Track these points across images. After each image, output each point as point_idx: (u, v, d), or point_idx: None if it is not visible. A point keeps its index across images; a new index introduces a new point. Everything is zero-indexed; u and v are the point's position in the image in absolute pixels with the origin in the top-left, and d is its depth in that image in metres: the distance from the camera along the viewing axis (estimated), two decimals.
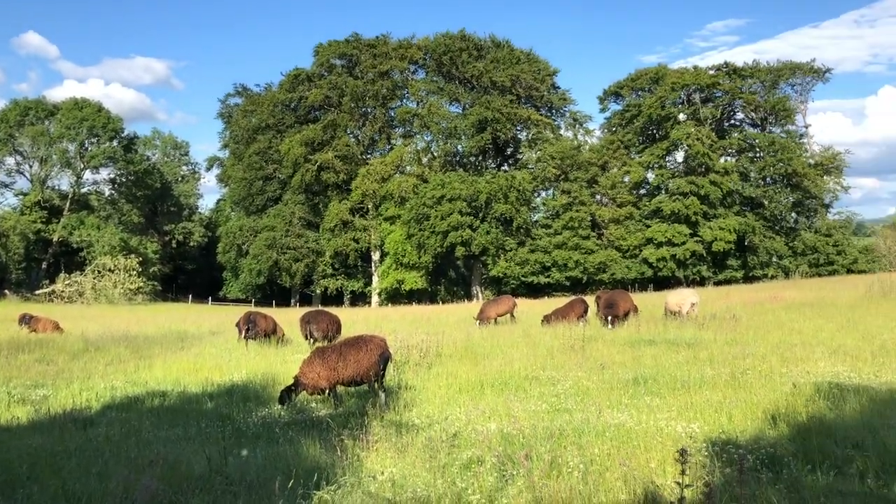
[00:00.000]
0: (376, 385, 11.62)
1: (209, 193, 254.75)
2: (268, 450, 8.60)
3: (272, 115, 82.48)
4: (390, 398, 11.74)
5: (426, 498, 6.59)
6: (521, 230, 73.93)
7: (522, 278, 73.33)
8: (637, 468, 7.15)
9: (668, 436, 8.81)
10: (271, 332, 22.05)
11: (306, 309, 68.41)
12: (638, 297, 32.23)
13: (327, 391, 11.47)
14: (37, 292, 72.31)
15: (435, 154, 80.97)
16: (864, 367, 13.27)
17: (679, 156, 75.94)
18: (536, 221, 78.38)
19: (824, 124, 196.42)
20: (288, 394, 11.42)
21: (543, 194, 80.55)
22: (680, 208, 69.39)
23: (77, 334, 26.90)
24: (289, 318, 31.60)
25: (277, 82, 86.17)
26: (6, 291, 73.15)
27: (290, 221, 79.08)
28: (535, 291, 70.52)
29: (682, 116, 74.50)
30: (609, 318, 21.48)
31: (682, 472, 5.26)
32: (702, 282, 67.27)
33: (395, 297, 76.50)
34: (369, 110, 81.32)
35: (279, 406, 11.46)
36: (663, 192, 74.18)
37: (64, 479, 7.55)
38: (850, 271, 65.45)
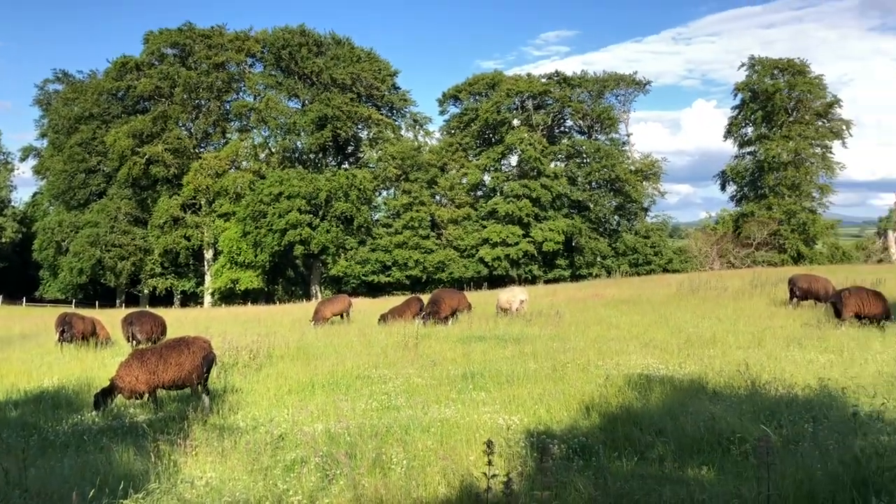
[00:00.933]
0: (199, 388, 11.21)
1: (25, 186, 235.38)
2: (76, 459, 8.09)
3: (97, 104, 77.35)
4: (215, 401, 11.38)
5: (245, 501, 6.45)
6: (362, 229, 73.85)
7: (363, 277, 73.28)
8: (457, 461, 7.35)
9: (490, 429, 9.14)
10: (90, 335, 20.73)
11: (132, 310, 64.98)
12: (473, 296, 33.13)
13: (146, 395, 10.94)
14: None
15: (273, 150, 79.12)
16: (672, 358, 14.36)
17: (513, 159, 78.69)
18: (377, 221, 78.54)
19: (645, 133, 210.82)
20: (103, 398, 10.79)
21: (384, 194, 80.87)
22: (514, 210, 71.93)
23: None
24: (113, 319, 29.82)
25: (103, 70, 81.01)
26: None
27: (116, 217, 74.47)
28: (375, 290, 70.72)
29: (516, 122, 77.24)
30: (432, 316, 21.86)
31: (489, 463, 5.48)
32: (533, 280, 70.07)
33: (229, 297, 73.99)
34: (203, 102, 78.18)
35: (94, 412, 10.80)
36: (498, 194, 76.55)
37: None
38: (665, 270, 70.48)
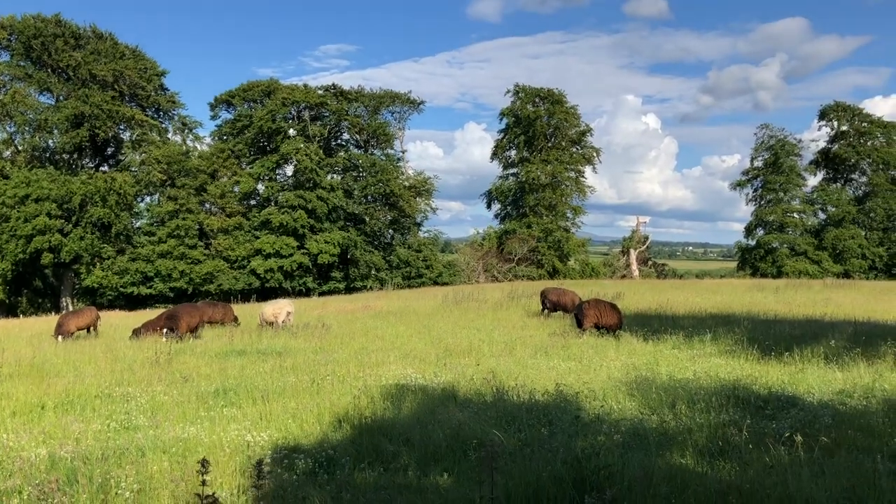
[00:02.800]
0: None
1: None
2: None
3: None
4: None
5: None
6: (122, 237, 68.86)
7: (121, 289, 68.22)
8: (192, 483, 6.95)
9: (236, 446, 8.79)
10: None
11: None
12: (242, 308, 32.08)
13: None
14: None
15: (19, 148, 71.61)
16: (429, 368, 14.76)
17: (289, 170, 77.53)
18: (139, 228, 73.67)
19: (421, 151, 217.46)
20: None
21: (148, 199, 76.04)
22: (288, 221, 70.75)
23: None
24: None
25: None
26: None
27: None
28: (135, 303, 66.11)
29: (292, 132, 76.15)
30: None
31: (203, 483, 5.23)
32: (307, 293, 69.29)
33: None
34: None
35: None
36: (273, 203, 74.97)
37: None
38: (436, 283, 72.81)
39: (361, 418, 10.01)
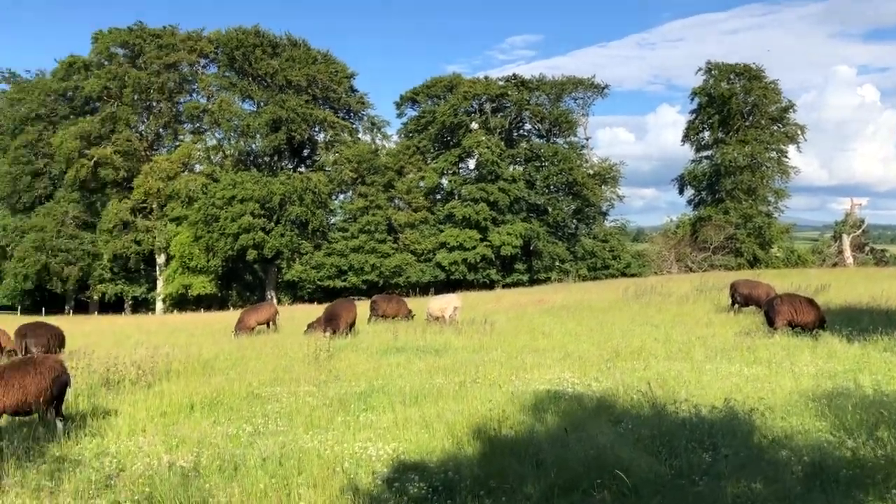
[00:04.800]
0: (51, 413, 10.06)
1: None
2: None
3: (43, 105, 75.21)
4: (72, 426, 10.23)
5: None
6: (317, 233, 72.57)
7: (318, 282, 71.93)
8: None
9: (357, 461, 8.16)
10: None
11: (85, 317, 62.98)
12: (421, 302, 32.09)
13: None
14: None
15: (226, 153, 77.51)
16: (590, 372, 13.50)
17: (471, 163, 77.92)
18: (333, 224, 77.27)
19: (611, 138, 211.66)
20: None
21: (340, 197, 79.63)
22: (471, 214, 71.12)
23: None
24: (70, 327, 28.22)
25: (50, 69, 78.73)
26: None
27: (63, 221, 72.32)
28: (331, 295, 69.23)
29: (474, 125, 76.43)
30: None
31: None
32: (491, 285, 69.31)
33: (181, 303, 72.32)
34: (154, 104, 76.30)
35: None
36: (456, 197, 75.69)
37: None
38: (623, 274, 70.07)
39: (495, 432, 9.04)
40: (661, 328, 19.75)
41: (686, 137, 77.69)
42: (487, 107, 77.05)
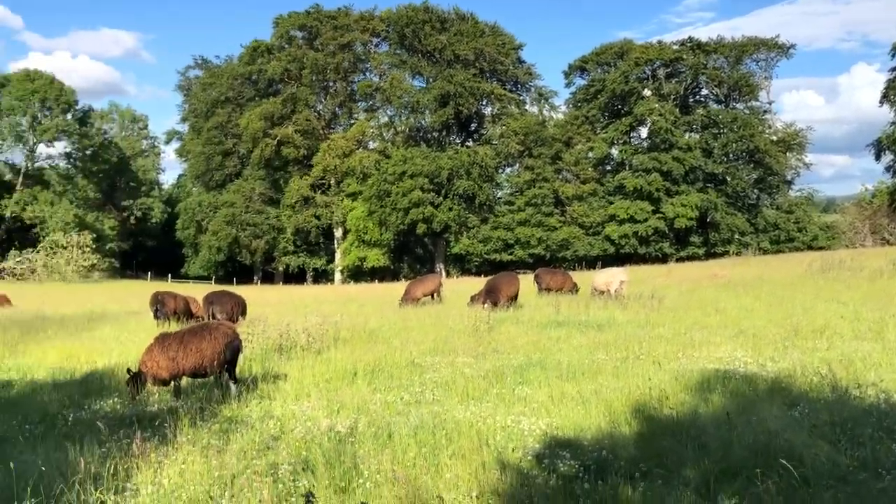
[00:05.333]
0: (226, 377, 10.69)
1: (172, 168, 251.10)
2: (50, 453, 7.63)
3: (231, 88, 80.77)
4: (244, 388, 10.82)
5: None
6: (484, 207, 73.14)
7: (485, 256, 72.66)
8: (427, 479, 6.30)
9: (508, 434, 8.01)
10: (183, 313, 21.01)
11: (269, 287, 67.52)
12: (588, 276, 31.45)
13: (171, 382, 10.52)
14: None
15: (397, 129, 79.69)
16: (767, 349, 12.58)
17: (643, 132, 75.29)
18: (499, 198, 77.56)
19: (797, 102, 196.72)
20: (133, 384, 10.45)
21: (507, 170, 79.70)
22: (643, 185, 68.85)
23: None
24: (254, 295, 30.27)
25: (237, 55, 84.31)
26: None
27: (250, 197, 77.66)
28: (498, 269, 69.68)
29: (646, 92, 73.69)
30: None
31: None
32: (664, 258, 66.92)
33: (357, 274, 75.59)
34: (330, 84, 79.78)
35: (119, 398, 10.50)
36: (627, 168, 73.53)
37: None
38: (810, 248, 65.30)
39: (655, 411, 8.56)
40: (849, 305, 18.06)
41: (885, 98, 70.56)
42: (661, 72, 73.94)
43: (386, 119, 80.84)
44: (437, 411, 9.24)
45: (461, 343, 14.67)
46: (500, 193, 78.69)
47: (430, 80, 76.17)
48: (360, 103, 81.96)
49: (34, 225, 75.39)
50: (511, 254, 71.76)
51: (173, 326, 20.53)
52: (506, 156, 75.18)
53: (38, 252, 68.86)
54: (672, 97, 73.39)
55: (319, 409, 9.63)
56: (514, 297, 21.37)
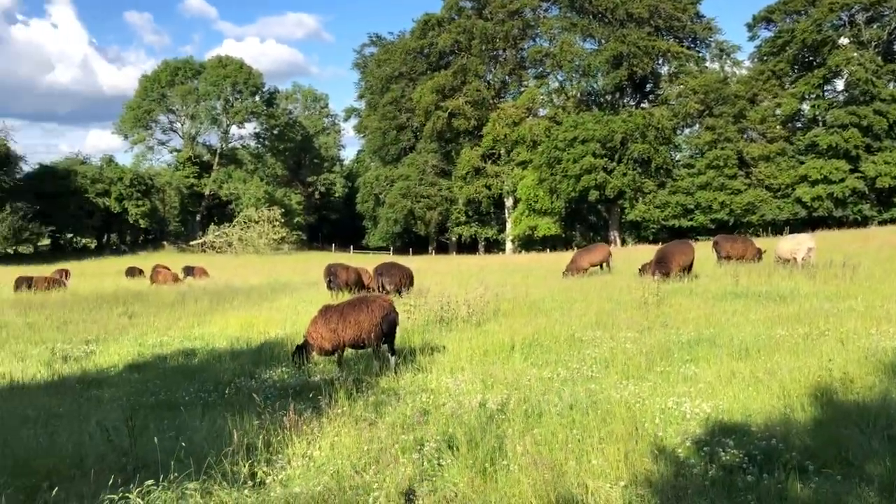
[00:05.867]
0: (384, 348, 10.84)
1: (351, 145, 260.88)
2: (214, 423, 8.04)
3: (404, 63, 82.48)
4: (402, 361, 10.94)
5: (310, 496, 5.73)
6: (661, 171, 70.22)
7: (662, 222, 69.96)
8: (578, 466, 5.95)
9: (667, 418, 7.48)
10: (353, 284, 21.74)
11: (441, 257, 68.98)
12: (774, 242, 29.30)
13: (334, 353, 10.82)
14: (191, 243, 77.21)
15: (568, 94, 78.12)
16: None
17: (838, 84, 68.90)
18: (678, 161, 74.18)
19: None
20: (298, 355, 10.87)
21: (686, 132, 75.98)
22: (838, 142, 63.12)
23: (197, 285, 28.31)
24: (422, 266, 31.03)
25: (409, 30, 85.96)
26: (164, 242, 78.64)
27: (424, 170, 79.37)
28: (676, 235, 66.78)
29: (843, 40, 67.22)
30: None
31: None
32: (863, 222, 61.30)
33: (528, 243, 75.46)
34: (500, 52, 79.48)
35: (287, 368, 10.96)
36: (819, 124, 67.72)
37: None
38: None
39: (838, 395, 7.67)
40: None
41: None
42: (860, 17, 67.09)
43: (556, 85, 79.50)
44: (593, 389, 8.84)
45: (626, 316, 14.05)
46: (678, 156, 75.28)
47: (602, 41, 73.84)
48: (529, 70, 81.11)
49: (230, 201, 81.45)
50: (691, 219, 68.64)
51: (346, 297, 21.37)
52: (684, 116, 71.63)
53: (233, 227, 74.43)
54: (873, 44, 66.49)
55: (473, 383, 9.51)
56: (688, 267, 20.22)
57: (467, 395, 8.90)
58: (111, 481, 5.72)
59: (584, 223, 79.55)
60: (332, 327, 10.54)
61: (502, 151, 77.67)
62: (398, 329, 11.45)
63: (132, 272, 37.58)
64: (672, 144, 73.23)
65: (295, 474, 6.38)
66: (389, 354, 10.81)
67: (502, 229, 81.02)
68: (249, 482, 6.06)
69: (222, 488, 5.74)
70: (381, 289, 19.80)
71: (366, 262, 29.54)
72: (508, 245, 78.85)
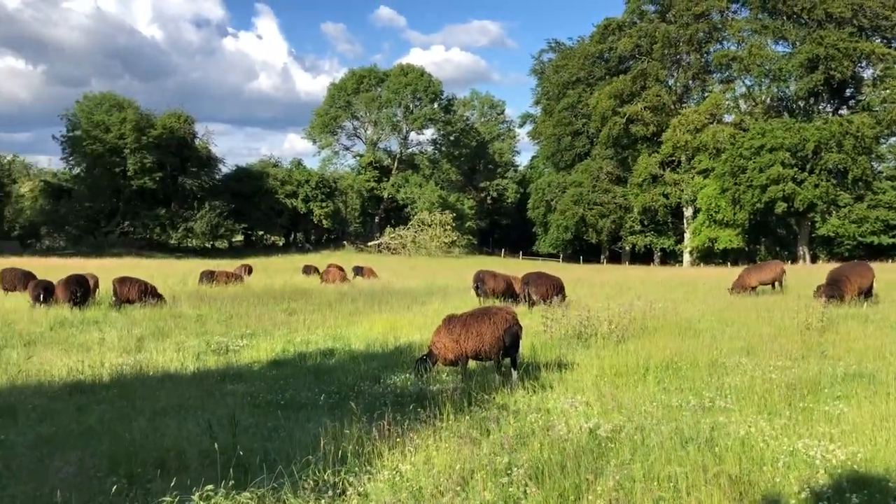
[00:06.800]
0: (506, 362, 10.60)
1: (526, 150, 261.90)
2: (315, 428, 8.15)
3: (582, 69, 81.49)
4: (526, 376, 10.63)
5: None
6: (859, 183, 64.52)
7: (859, 238, 64.25)
8: None
9: (790, 462, 6.70)
10: (501, 293, 21.63)
11: (611, 267, 67.42)
12: None
13: (457, 363, 10.73)
14: (368, 244, 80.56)
15: (756, 100, 73.70)
16: None
17: None
18: (879, 173, 67.83)
19: None
20: (421, 363, 10.87)
21: (890, 140, 69.31)
22: None
23: (361, 284, 29.46)
24: (592, 275, 30.62)
25: (588, 34, 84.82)
26: (345, 242, 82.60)
27: (598, 177, 77.95)
28: (876, 254, 61.22)
29: None
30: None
31: None
32: None
33: (707, 256, 72.08)
34: (682, 57, 76.44)
35: (410, 375, 11.00)
36: None
37: (134, 434, 7.90)
38: None
39: None
40: None
41: None
42: None
43: (743, 90, 75.37)
44: (720, 423, 8.12)
45: (782, 342, 12.88)
46: (880, 167, 68.83)
47: (796, 44, 69.03)
48: (714, 74, 77.42)
49: (406, 205, 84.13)
50: (893, 236, 62.55)
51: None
52: (888, 123, 65.37)
53: (408, 229, 76.81)
54: None
55: (591, 407, 9.06)
56: (867, 291, 18.27)
57: (580, 418, 8.47)
58: (203, 479, 5.94)
59: (770, 236, 74.71)
60: (454, 337, 10.45)
61: (682, 158, 74.70)
62: (522, 342, 11.15)
63: (308, 270, 39.66)
64: (874, 154, 67.07)
65: (378, 488, 6.32)
66: (512, 369, 10.56)
67: (680, 240, 77.87)
68: (330, 492, 6.07)
69: (296, 496, 5.78)
70: (526, 298, 19.53)
71: (531, 269, 29.38)
72: (686, 257, 75.65)
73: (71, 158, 72.25)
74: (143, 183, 68.28)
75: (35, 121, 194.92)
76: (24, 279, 24.33)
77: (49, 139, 69.88)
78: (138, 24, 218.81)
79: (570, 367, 11.60)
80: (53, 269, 33.58)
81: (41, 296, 20.09)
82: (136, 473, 6.47)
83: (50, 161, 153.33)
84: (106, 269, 35.12)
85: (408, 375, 11.08)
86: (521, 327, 10.71)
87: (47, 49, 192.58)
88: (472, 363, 11.12)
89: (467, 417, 8.41)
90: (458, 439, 7.53)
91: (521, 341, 10.73)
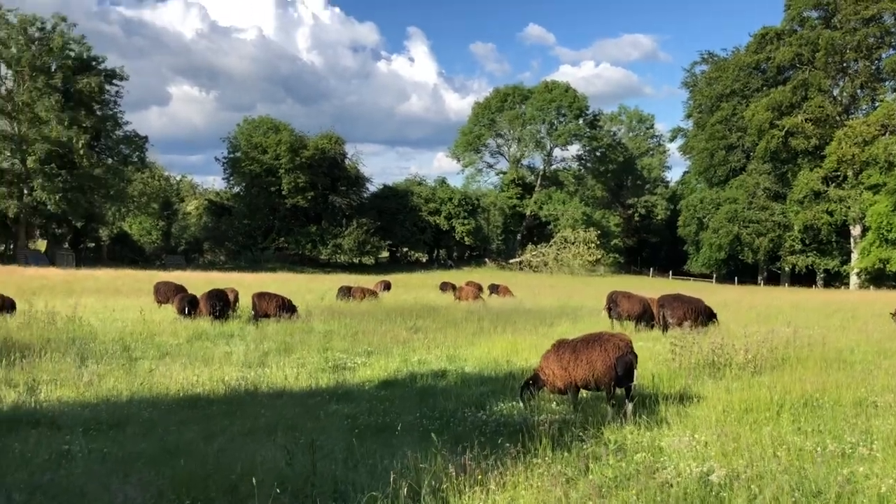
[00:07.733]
0: (619, 392, 9.80)
1: (677, 166, 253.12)
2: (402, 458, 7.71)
3: (737, 80, 77.64)
4: (644, 409, 9.78)
5: None
6: None
7: None
8: None
9: None
10: (636, 316, 20.51)
11: (768, 289, 63.36)
12: None
13: (566, 392, 10.04)
14: (510, 261, 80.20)
15: None
16: None
17: None
18: None
19: None
20: (528, 389, 10.28)
21: None
22: None
23: (492, 303, 29.10)
24: (736, 297, 28.70)
25: (744, 44, 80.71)
26: (486, 259, 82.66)
27: (754, 193, 73.78)
28: None
29: None
30: None
31: None
32: None
33: (878, 278, 66.34)
34: (849, 64, 71.04)
35: (516, 403, 10.42)
36: None
37: (217, 451, 7.84)
38: None
39: None
40: None
41: None
42: None
43: None
44: (858, 473, 7.02)
45: None
46: None
47: None
48: (886, 82, 71.45)
49: (549, 222, 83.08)
50: None
51: (628, 329, 20.24)
52: None
53: (550, 246, 75.80)
54: None
55: (709, 448, 8.13)
56: None
57: (693, 460, 7.59)
58: None
59: None
60: (563, 364, 9.78)
61: (849, 173, 69.26)
62: (639, 371, 10.29)
63: (445, 287, 39.76)
64: None
65: None
66: (626, 400, 9.74)
67: (846, 261, 72.14)
68: None
69: None
70: (661, 321, 18.38)
71: (681, 290, 27.90)
72: (853, 279, 69.95)
73: (231, 178, 76.84)
74: (296, 201, 71.44)
75: (207, 144, 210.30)
76: (175, 292, 25.70)
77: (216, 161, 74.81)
78: (299, 51, 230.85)
79: (694, 400, 10.61)
80: (211, 282, 35.39)
81: (186, 308, 21.07)
82: (200, 499, 6.30)
83: (214, 181, 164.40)
84: (261, 283, 36.74)
85: (515, 402, 10.50)
86: (635, 356, 9.86)
87: (218, 77, 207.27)
88: (582, 392, 10.39)
89: (566, 453, 7.75)
90: (551, 478, 6.91)
91: (636, 371, 9.87)
